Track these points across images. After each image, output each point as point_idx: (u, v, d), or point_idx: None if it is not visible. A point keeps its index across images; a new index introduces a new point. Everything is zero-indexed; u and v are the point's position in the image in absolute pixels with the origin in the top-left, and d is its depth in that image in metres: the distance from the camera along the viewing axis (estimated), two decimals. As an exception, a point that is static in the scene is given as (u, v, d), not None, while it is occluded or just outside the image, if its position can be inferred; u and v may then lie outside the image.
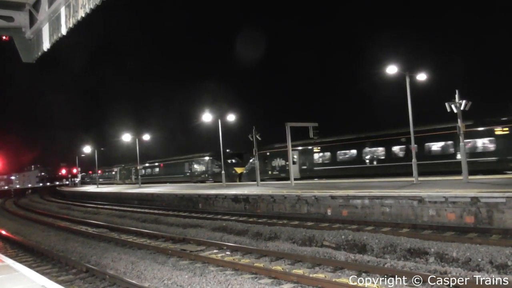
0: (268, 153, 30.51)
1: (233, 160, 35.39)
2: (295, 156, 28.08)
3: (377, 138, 23.92)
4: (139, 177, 42.69)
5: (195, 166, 39.44)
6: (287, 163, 28.04)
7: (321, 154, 27.51)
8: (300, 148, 28.22)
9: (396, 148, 22.94)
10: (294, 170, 27.49)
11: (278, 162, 29.77)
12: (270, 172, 30.32)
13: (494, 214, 11.32)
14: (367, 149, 24.36)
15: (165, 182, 42.94)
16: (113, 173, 61.11)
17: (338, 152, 26.09)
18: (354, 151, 25.18)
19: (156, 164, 48.42)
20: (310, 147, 27.77)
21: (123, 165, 56.75)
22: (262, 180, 28.61)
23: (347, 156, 25.82)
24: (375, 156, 24.03)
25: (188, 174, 40.35)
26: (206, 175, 36.83)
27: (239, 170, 33.97)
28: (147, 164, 49.92)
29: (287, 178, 27.80)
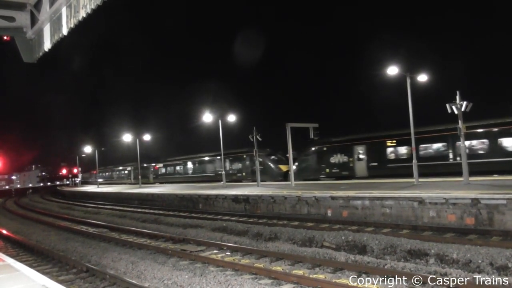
0: (325, 148, 26.67)
1: (275, 157, 31.54)
2: (360, 151, 24.76)
3: (479, 128, 20.24)
4: (137, 177, 41.26)
5: (229, 163, 34.74)
6: (351, 159, 25.00)
7: (397, 148, 23.30)
8: (368, 142, 24.39)
9: (506, 141, 19.47)
10: (360, 167, 24.70)
11: (339, 158, 25.74)
12: (327, 170, 26.46)
13: (495, 215, 11.31)
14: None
15: (190, 182, 38.27)
16: (126, 172, 55.76)
17: (422, 145, 21.92)
18: (442, 145, 21.44)
19: (180, 161, 43.02)
20: (382, 140, 23.69)
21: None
22: (316, 179, 25.77)
23: (433, 150, 21.96)
24: (474, 150, 20.29)
25: (220, 172, 35.76)
26: (244, 173, 32.77)
27: (284, 168, 30.04)
28: (167, 162, 44.80)
29: (350, 176, 24.75)
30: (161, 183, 43.68)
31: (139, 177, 41.91)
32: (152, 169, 47.67)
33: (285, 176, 29.38)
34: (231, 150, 33.96)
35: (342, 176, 25.58)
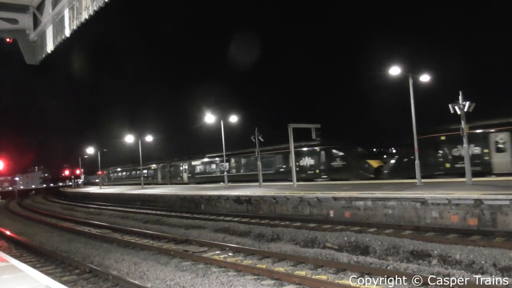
0: (442, 137, 21.57)
1: (359, 151, 26.70)
2: (501, 140, 19.64)
3: None
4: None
5: (296, 159, 27.99)
6: (485, 150, 19.89)
7: None
8: None
9: None
10: (501, 160, 19.79)
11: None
12: (447, 165, 21.28)
13: (498, 216, 11.27)
14: None
15: (238, 181, 31.54)
16: (150, 171, 49.91)
17: None
18: None
19: (223, 158, 36.03)
20: None
21: (167, 161, 45.90)
22: (429, 176, 20.41)
23: None
24: None
25: (282, 170, 29.96)
26: (317, 171, 27.29)
27: (374, 163, 25.21)
28: (208, 159, 38.19)
29: (484, 172, 19.73)
30: (198, 183, 38.02)
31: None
32: (186, 167, 41.62)
33: (376, 173, 24.33)
34: (298, 143, 28.07)
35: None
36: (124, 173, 59.42)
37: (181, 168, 42.75)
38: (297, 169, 28.19)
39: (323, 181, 26.34)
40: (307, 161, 28.36)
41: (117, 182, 60.24)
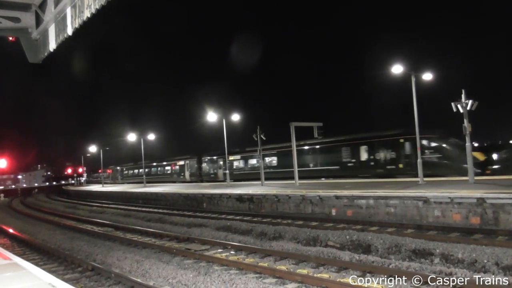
0: None
1: (457, 142, 21.15)
2: None
3: None
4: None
5: (367, 152, 24.88)
6: None
7: None
8: None
9: None
10: None
11: None
12: None
13: (500, 215, 11.24)
14: None
15: (285, 178, 27.58)
16: (176, 167, 44.68)
17: None
18: None
19: (273, 152, 31.28)
20: None
21: (197, 156, 40.99)
22: None
23: None
24: None
25: (350, 164, 25.51)
26: (400, 165, 22.84)
27: (480, 156, 20.69)
28: (249, 154, 33.50)
29: None
30: (236, 180, 33.15)
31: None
32: (221, 163, 36.71)
33: (482, 169, 20.17)
34: (372, 133, 24.86)
35: None
36: (138, 170, 54.30)
37: (215, 164, 38.20)
38: (372, 163, 24.64)
39: (408, 177, 21.43)
40: (386, 154, 23.71)
41: (129, 180, 56.83)
